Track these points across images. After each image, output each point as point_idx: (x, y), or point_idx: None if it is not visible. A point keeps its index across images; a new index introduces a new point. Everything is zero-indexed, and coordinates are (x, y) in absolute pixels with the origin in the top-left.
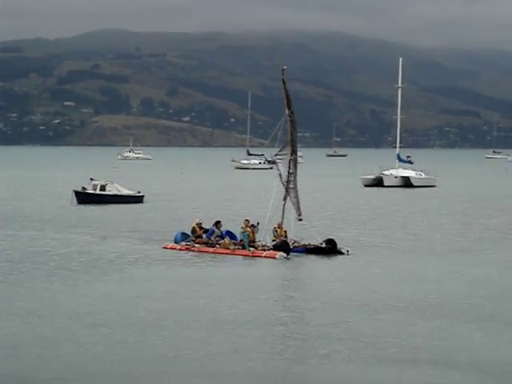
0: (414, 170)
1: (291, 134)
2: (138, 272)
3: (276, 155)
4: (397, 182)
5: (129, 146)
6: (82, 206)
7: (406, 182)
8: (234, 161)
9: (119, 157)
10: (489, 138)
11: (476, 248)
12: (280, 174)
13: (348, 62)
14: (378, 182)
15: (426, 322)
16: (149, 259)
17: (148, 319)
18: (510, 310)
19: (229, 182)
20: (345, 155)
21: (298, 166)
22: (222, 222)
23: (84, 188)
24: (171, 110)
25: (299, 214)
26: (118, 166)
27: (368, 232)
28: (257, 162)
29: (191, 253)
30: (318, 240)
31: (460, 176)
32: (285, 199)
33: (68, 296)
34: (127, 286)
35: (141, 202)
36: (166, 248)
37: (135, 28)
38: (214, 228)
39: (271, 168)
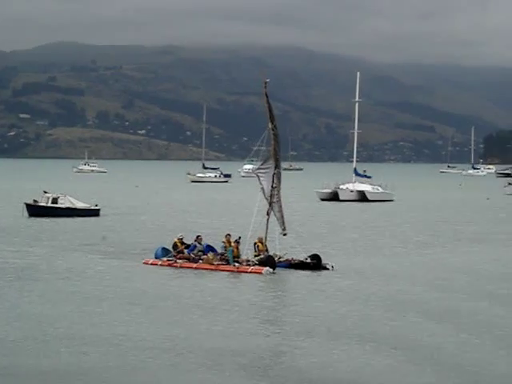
0: (371, 184)
1: (274, 149)
2: (122, 289)
3: (258, 169)
4: (352, 196)
5: (84, 158)
6: (34, 219)
7: (362, 197)
8: (189, 174)
9: (74, 169)
10: (444, 152)
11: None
12: (262, 188)
13: (304, 77)
14: (334, 196)
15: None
16: (129, 275)
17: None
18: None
19: (184, 195)
20: (301, 169)
21: (257, 179)
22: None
23: (35, 201)
24: (127, 123)
25: (284, 229)
26: (72, 179)
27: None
28: (212, 175)
29: (174, 269)
30: (302, 255)
31: (416, 190)
32: (268, 214)
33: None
34: (111, 306)
35: (97, 215)
36: (147, 264)
37: (91, 41)
38: (196, 243)
39: (226, 181)
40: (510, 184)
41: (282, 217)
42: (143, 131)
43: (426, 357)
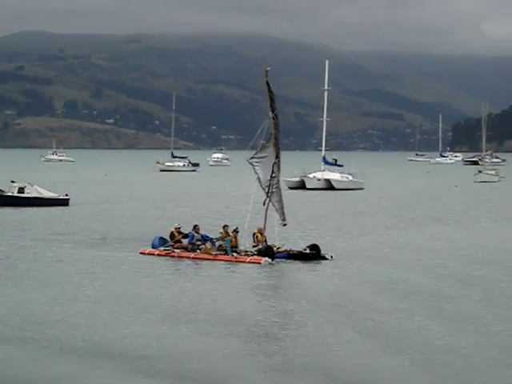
0: (341, 173)
1: (275, 137)
2: (121, 279)
3: (252, 158)
4: (319, 184)
5: (52, 148)
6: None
7: (329, 185)
8: (158, 163)
9: (42, 159)
10: (412, 140)
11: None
12: (258, 178)
13: (272, 65)
14: (301, 185)
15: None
16: (128, 265)
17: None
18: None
19: (153, 184)
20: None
21: (225, 168)
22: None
23: (1, 190)
24: (95, 112)
25: (283, 219)
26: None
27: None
28: (181, 164)
29: (171, 258)
30: (301, 245)
31: (386, 179)
32: (265, 204)
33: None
34: (111, 294)
35: (66, 204)
36: (144, 253)
37: (59, 29)
38: (194, 232)
39: (194, 170)
40: (479, 172)
41: (282, 207)
42: (111, 120)
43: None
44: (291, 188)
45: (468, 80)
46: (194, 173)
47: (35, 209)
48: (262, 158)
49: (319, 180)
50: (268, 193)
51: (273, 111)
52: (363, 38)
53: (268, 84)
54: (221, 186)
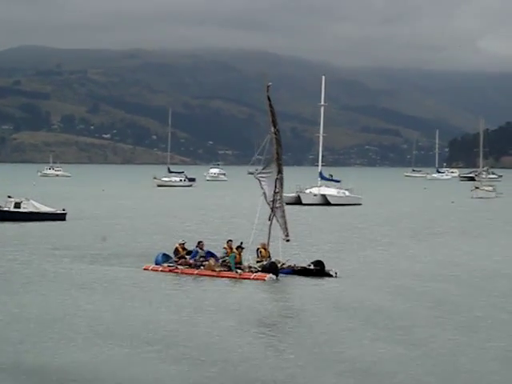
0: (338, 188)
1: (277, 153)
2: (125, 295)
3: (259, 173)
4: (315, 200)
5: (49, 163)
6: None
7: (324, 201)
8: (155, 178)
9: (39, 174)
10: (409, 156)
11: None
12: (264, 193)
13: (269, 81)
14: (297, 200)
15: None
16: (131, 281)
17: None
18: None
19: (151, 199)
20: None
21: (222, 183)
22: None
23: None
24: (92, 127)
25: (286, 235)
26: (36, 183)
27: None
28: (177, 179)
29: (175, 275)
30: (305, 261)
31: (383, 194)
32: (270, 219)
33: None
34: (113, 311)
35: (63, 219)
36: (147, 269)
37: (56, 45)
38: (198, 249)
39: (190, 185)
40: (476, 188)
41: (286, 222)
42: (108, 135)
43: None
44: (287, 203)
45: (465, 96)
46: (191, 188)
47: (32, 223)
48: (268, 173)
49: (315, 195)
50: (272, 208)
51: (274, 126)
52: (361, 53)
53: (269, 99)
54: (218, 202)
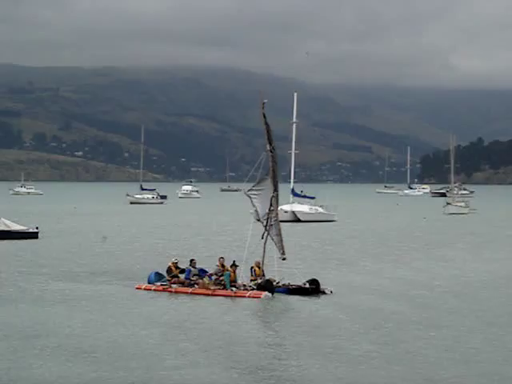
0: (311, 205)
1: (273, 171)
2: (115, 314)
3: (250, 190)
4: (285, 216)
5: (21, 181)
6: None
7: (294, 217)
8: (128, 195)
9: (11, 192)
10: (381, 172)
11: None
12: (256, 210)
13: (241, 98)
14: None
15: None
16: (124, 300)
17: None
18: None
19: (122, 216)
20: (239, 190)
21: (195, 201)
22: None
23: None
24: (64, 145)
25: (282, 253)
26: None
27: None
28: (150, 196)
29: (168, 294)
30: (300, 280)
31: (356, 211)
32: (263, 237)
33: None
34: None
35: (35, 237)
36: (140, 289)
37: (27, 62)
38: (191, 267)
39: (161, 203)
40: (448, 204)
41: (281, 240)
42: (80, 153)
43: None
44: (258, 220)
45: (436, 112)
46: (162, 205)
47: (3, 242)
48: (259, 190)
49: (286, 212)
50: (266, 226)
51: (270, 144)
52: (331, 70)
53: (265, 116)
54: (191, 218)
